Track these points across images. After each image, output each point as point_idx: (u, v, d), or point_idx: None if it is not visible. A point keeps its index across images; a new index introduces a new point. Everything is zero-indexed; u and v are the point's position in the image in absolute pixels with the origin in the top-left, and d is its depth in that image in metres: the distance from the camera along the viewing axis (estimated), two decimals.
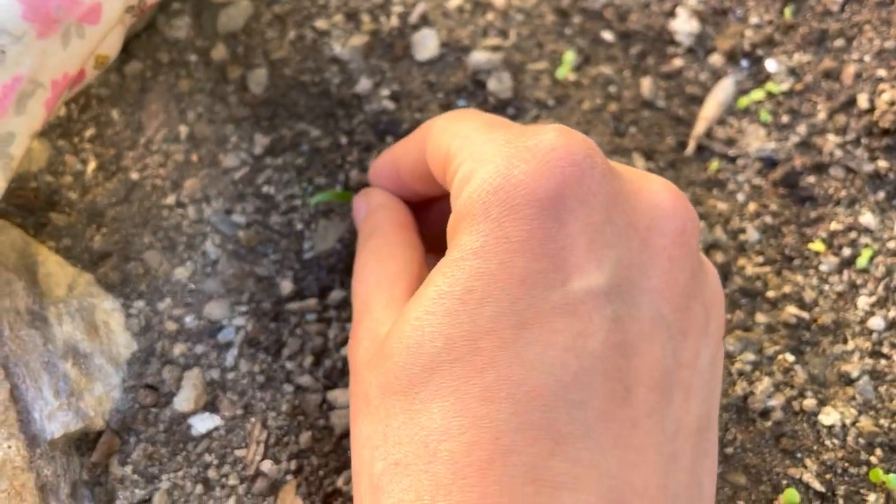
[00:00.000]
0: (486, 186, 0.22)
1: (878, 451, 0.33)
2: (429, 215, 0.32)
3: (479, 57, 0.40)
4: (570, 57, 0.41)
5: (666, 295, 0.22)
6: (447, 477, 0.20)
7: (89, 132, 0.37)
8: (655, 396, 0.22)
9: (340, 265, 0.36)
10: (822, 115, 0.41)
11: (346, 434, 0.33)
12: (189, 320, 0.34)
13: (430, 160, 0.27)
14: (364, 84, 0.39)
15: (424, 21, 0.41)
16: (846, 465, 0.33)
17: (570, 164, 0.22)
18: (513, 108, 0.39)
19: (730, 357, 0.35)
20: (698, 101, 0.41)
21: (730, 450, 0.33)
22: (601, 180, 0.22)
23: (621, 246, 0.22)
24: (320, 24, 0.40)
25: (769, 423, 0.34)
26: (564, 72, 0.41)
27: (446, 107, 0.39)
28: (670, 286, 0.23)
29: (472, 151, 0.24)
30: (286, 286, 0.35)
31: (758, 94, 0.41)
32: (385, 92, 0.39)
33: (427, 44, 0.40)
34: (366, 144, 0.38)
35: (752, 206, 0.39)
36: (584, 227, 0.22)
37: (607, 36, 0.42)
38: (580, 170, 0.22)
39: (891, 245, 0.38)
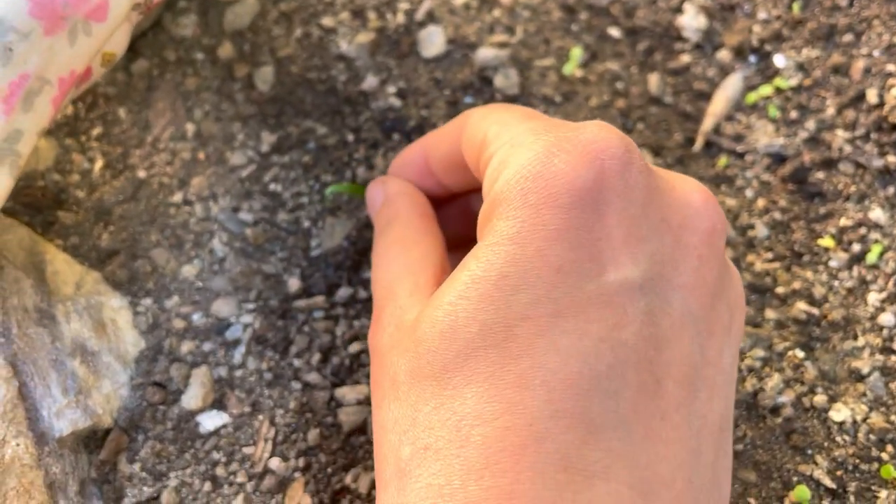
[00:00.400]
0: (524, 172, 0.22)
1: (890, 448, 0.33)
2: (447, 212, 0.32)
3: (485, 53, 0.40)
4: (577, 53, 0.41)
5: (695, 292, 0.23)
6: (479, 461, 0.20)
7: (96, 130, 0.37)
8: (683, 391, 0.22)
9: (348, 262, 0.36)
10: (830, 111, 0.40)
11: (354, 431, 0.32)
12: (197, 318, 0.34)
13: (465, 147, 0.27)
14: (371, 81, 0.39)
15: (431, 18, 0.41)
16: (857, 461, 0.33)
17: (610, 158, 0.22)
18: (519, 104, 0.39)
19: (740, 353, 0.35)
20: (706, 96, 0.41)
21: (740, 446, 0.33)
22: (638, 175, 0.22)
23: (655, 241, 0.22)
24: (327, 21, 0.40)
25: (779, 420, 0.33)
26: (571, 68, 0.41)
27: (453, 104, 0.39)
28: (699, 284, 0.23)
29: (510, 138, 0.24)
30: (294, 284, 0.35)
31: (766, 90, 0.41)
32: (392, 89, 0.39)
33: (433, 41, 0.40)
34: (372, 141, 0.38)
35: (760, 202, 0.39)
36: (620, 220, 0.22)
37: (614, 32, 0.42)
38: (620, 163, 0.22)
39: None
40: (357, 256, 0.36)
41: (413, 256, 0.27)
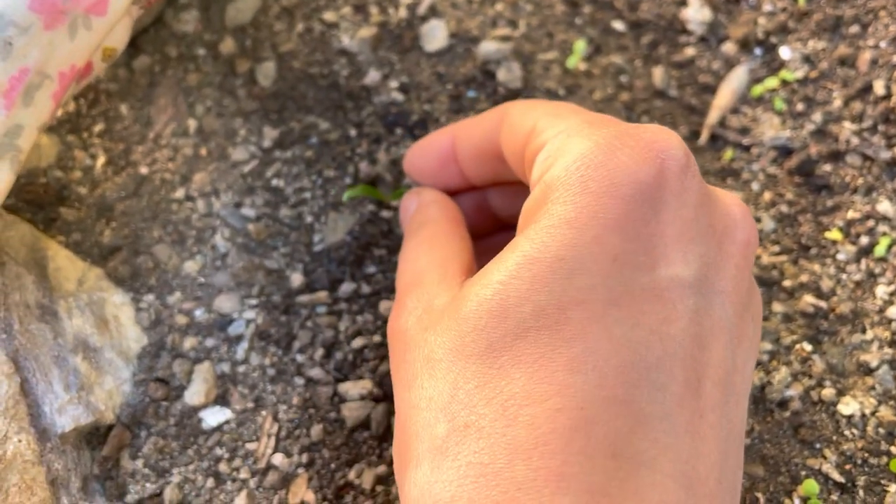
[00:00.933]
0: (586, 160, 0.22)
1: None
2: (461, 205, 0.32)
3: (488, 47, 0.39)
4: (580, 46, 0.41)
5: (731, 299, 0.23)
6: (528, 441, 0.20)
7: (98, 127, 0.37)
8: (719, 393, 0.22)
9: (351, 257, 0.35)
10: (837, 103, 0.40)
11: (357, 426, 0.32)
12: (199, 314, 0.34)
13: (506, 137, 0.27)
14: (373, 76, 0.39)
15: (433, 12, 0.40)
16: (866, 455, 0.32)
17: (670, 158, 0.23)
18: (523, 98, 0.39)
19: None
20: (711, 89, 0.41)
21: (747, 441, 0.33)
22: (693, 180, 0.23)
23: (703, 244, 0.23)
24: (328, 16, 0.40)
25: (787, 414, 0.33)
26: (575, 61, 0.40)
27: (456, 98, 0.39)
28: (735, 292, 0.23)
29: (565, 127, 0.24)
30: (296, 279, 0.35)
31: (772, 82, 0.41)
32: (394, 83, 0.39)
33: (436, 35, 0.40)
34: (375, 136, 0.38)
35: (767, 195, 0.38)
36: (675, 218, 0.22)
37: (618, 25, 0.42)
38: (678, 165, 0.23)
39: None
40: (360, 251, 0.35)
41: (442, 253, 0.27)
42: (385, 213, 0.36)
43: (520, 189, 0.31)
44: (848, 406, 0.33)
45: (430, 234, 0.29)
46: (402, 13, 0.40)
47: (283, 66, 0.39)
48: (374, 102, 0.38)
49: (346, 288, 0.35)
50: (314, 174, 0.37)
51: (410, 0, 0.41)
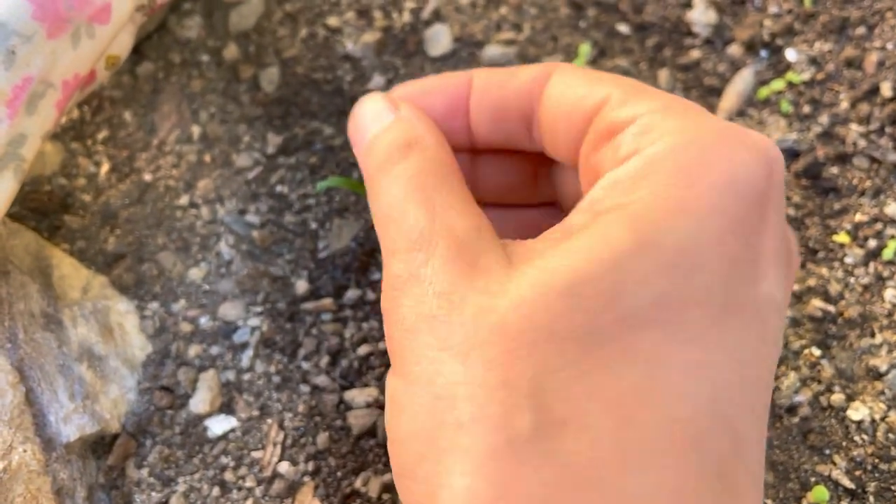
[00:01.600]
0: (706, 147, 0.20)
1: None
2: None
3: (493, 51, 0.39)
4: (585, 50, 0.40)
5: (781, 318, 0.22)
6: (643, 449, 0.18)
7: (102, 134, 0.37)
8: (768, 396, 0.21)
9: (356, 264, 0.35)
10: (844, 105, 0.40)
11: (363, 434, 0.32)
12: (204, 321, 0.34)
13: (555, 102, 0.23)
14: (377, 81, 0.39)
15: (437, 16, 0.40)
16: (876, 461, 0.32)
17: (778, 163, 0.21)
18: None
19: None
20: (717, 92, 0.41)
21: None
22: (782, 199, 0.21)
23: (785, 266, 0.21)
24: (332, 21, 0.40)
25: (796, 420, 0.33)
26: (580, 64, 0.40)
27: None
28: (784, 311, 0.22)
29: (662, 106, 0.21)
30: (301, 286, 0.35)
31: (778, 85, 0.41)
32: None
33: (440, 39, 0.40)
34: None
35: None
36: (774, 232, 0.21)
37: (623, 28, 0.42)
38: (782, 173, 0.21)
39: None
40: (365, 258, 0.35)
41: (462, 195, 0.22)
42: None
43: (519, 162, 0.28)
44: (857, 411, 0.33)
45: (431, 167, 0.22)
46: (406, 18, 0.40)
47: (286, 72, 0.39)
48: None
49: (352, 294, 0.35)
50: (319, 180, 0.37)
51: (414, 5, 0.40)
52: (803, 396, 0.33)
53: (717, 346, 0.19)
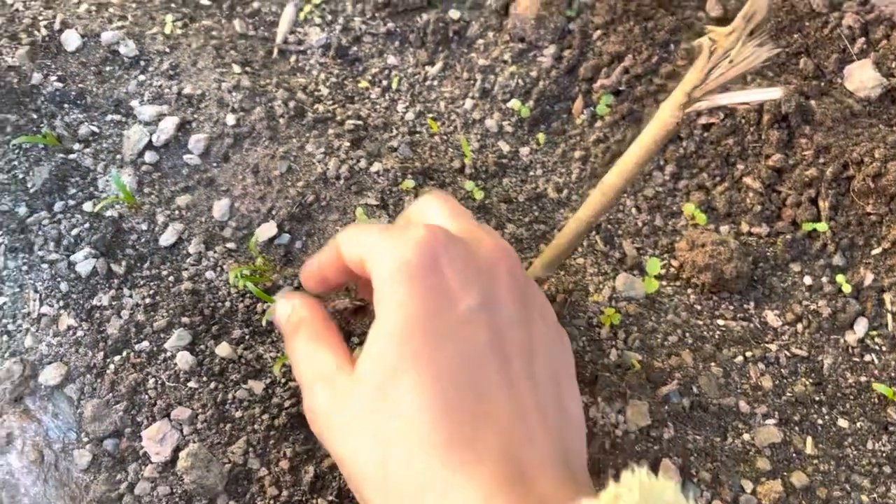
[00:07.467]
0: (389, 267, 0.33)
1: None
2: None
3: (108, 36, 0.58)
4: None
5: (511, 305, 0.34)
6: (429, 421, 0.31)
7: None
8: (523, 362, 0.33)
9: (56, 188, 0.53)
10: (350, 8, 0.63)
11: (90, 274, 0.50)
12: None
13: (349, 263, 0.37)
14: (37, 77, 0.56)
15: (65, 25, 0.58)
16: None
17: (434, 241, 0.34)
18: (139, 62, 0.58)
19: None
20: (275, 24, 0.62)
21: None
22: (456, 247, 0.34)
23: (479, 281, 0.34)
24: None
25: None
26: (169, 30, 0.60)
27: (98, 73, 0.57)
28: (513, 300, 0.35)
29: (375, 252, 0.35)
30: (23, 211, 0.51)
31: (308, 7, 0.63)
32: (53, 78, 0.56)
33: (72, 39, 0.58)
34: (52, 113, 0.55)
35: (323, 76, 0.60)
36: (454, 274, 0.33)
37: (204, 1, 0.62)
38: (442, 245, 0.34)
39: None
40: (60, 183, 0.53)
41: (328, 348, 0.36)
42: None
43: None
44: None
45: (312, 335, 0.37)
46: (44, 31, 0.58)
47: None
48: (44, 93, 0.56)
49: (59, 206, 0.52)
50: (15, 148, 0.54)
51: (47, 22, 0.58)
52: None
53: (443, 360, 0.32)
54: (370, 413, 0.32)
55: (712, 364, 0.50)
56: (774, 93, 0.34)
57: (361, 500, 0.33)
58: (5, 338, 0.47)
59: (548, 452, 0.31)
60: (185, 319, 0.47)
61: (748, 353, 0.51)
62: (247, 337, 0.48)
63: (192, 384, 0.45)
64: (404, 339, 0.32)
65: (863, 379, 0.51)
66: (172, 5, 0.62)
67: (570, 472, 0.31)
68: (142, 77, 0.57)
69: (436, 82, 0.62)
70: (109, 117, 0.55)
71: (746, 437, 0.48)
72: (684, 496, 0.28)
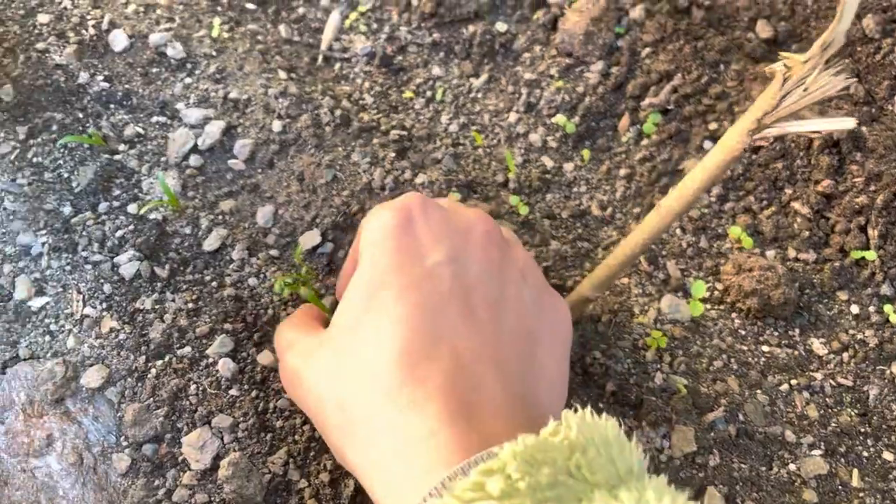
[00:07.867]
0: (372, 233, 0.37)
1: None
2: None
3: (156, 38, 0.58)
4: (216, 22, 0.60)
5: (484, 263, 0.37)
6: (394, 356, 0.33)
7: None
8: (489, 309, 0.36)
9: (100, 188, 0.53)
10: (395, 17, 0.63)
11: (134, 277, 0.50)
12: (9, 249, 0.50)
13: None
14: (83, 76, 0.56)
15: (113, 24, 0.58)
16: None
17: (410, 205, 0.38)
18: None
19: None
20: (320, 31, 0.62)
21: None
22: (433, 210, 0.38)
23: (451, 240, 0.37)
24: (39, 45, 0.57)
25: None
26: (216, 32, 0.60)
27: (144, 75, 0.57)
28: (487, 258, 0.37)
29: (365, 224, 0.39)
30: (67, 210, 0.51)
31: (354, 15, 0.63)
32: (100, 77, 0.56)
33: (119, 39, 0.58)
34: (97, 113, 0.55)
35: (366, 84, 0.60)
36: (427, 232, 0.37)
37: (249, 6, 0.62)
38: (419, 207, 0.38)
39: None
40: (106, 183, 0.53)
41: (297, 325, 0.42)
42: (116, 158, 0.54)
43: None
44: None
45: (287, 323, 0.43)
46: (92, 31, 0.58)
47: (17, 86, 0.55)
48: (90, 92, 0.56)
49: (103, 206, 0.52)
50: (61, 143, 0.54)
51: (95, 21, 0.58)
52: None
53: (408, 305, 0.34)
54: (335, 361, 0.35)
55: (758, 391, 0.49)
56: (847, 122, 0.33)
57: (331, 447, 0.36)
58: (48, 338, 0.46)
59: (498, 397, 0.32)
60: (227, 326, 0.47)
61: (793, 381, 0.50)
62: None
63: (233, 392, 0.45)
64: (371, 292, 0.35)
65: None
66: (218, 8, 0.61)
67: (526, 418, 0.32)
68: (188, 80, 0.57)
69: (480, 94, 0.61)
70: (155, 119, 0.55)
71: (792, 466, 0.47)
72: (627, 438, 0.29)
